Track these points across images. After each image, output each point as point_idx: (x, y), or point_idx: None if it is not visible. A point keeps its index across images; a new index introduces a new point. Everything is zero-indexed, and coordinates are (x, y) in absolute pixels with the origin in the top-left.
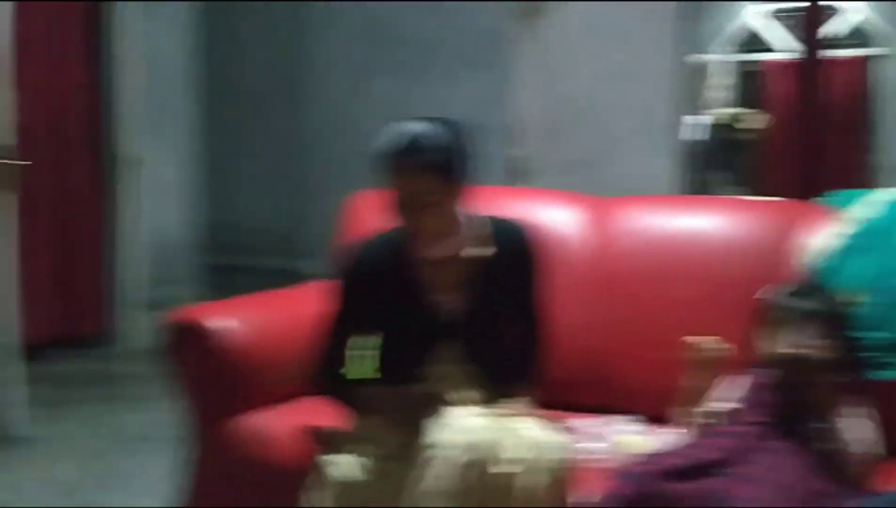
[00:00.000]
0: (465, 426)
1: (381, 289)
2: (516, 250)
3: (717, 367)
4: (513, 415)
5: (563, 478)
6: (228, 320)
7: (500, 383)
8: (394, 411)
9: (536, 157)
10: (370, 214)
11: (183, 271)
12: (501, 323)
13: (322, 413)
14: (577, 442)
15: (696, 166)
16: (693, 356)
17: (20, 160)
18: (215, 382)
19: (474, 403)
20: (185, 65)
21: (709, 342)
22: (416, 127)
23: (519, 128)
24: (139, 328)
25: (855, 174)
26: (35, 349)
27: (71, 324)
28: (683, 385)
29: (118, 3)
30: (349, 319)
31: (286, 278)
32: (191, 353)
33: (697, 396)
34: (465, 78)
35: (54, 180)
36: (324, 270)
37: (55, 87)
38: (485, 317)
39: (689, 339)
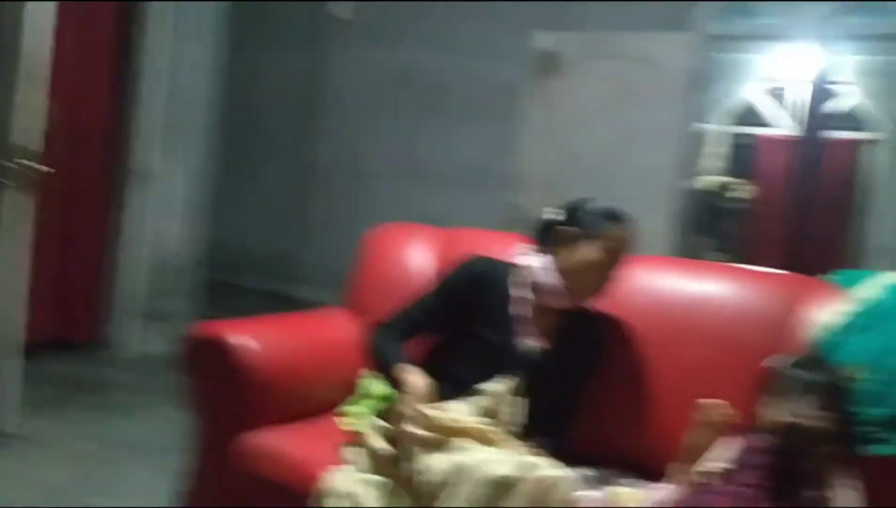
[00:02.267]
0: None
1: (482, 302)
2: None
3: (722, 430)
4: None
5: None
6: (249, 338)
7: (540, 429)
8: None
9: (537, 207)
10: (391, 246)
11: (181, 285)
12: (563, 380)
13: (332, 434)
14: (577, 488)
15: (687, 230)
16: (701, 418)
17: (43, 166)
18: (231, 397)
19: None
20: (206, 87)
21: (718, 406)
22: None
23: (523, 178)
24: (134, 336)
25: (839, 252)
26: (30, 350)
27: (67, 328)
28: (686, 444)
29: (149, 18)
30: (437, 307)
31: (281, 301)
32: (210, 367)
33: (697, 455)
34: (476, 126)
35: (66, 186)
36: (322, 297)
37: (78, 95)
38: (554, 367)
39: (702, 401)
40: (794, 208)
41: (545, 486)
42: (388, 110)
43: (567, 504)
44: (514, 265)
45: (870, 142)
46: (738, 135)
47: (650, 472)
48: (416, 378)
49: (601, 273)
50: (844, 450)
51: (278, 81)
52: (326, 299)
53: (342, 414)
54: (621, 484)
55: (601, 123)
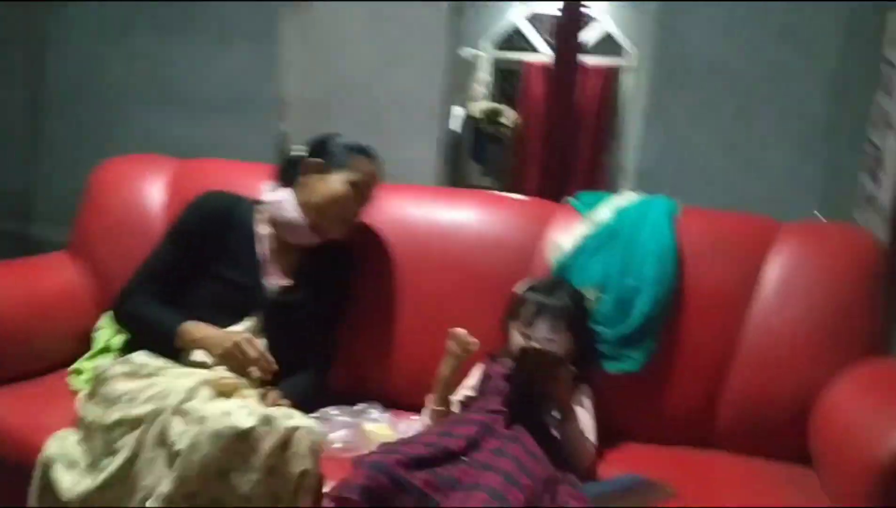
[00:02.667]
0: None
1: (223, 241)
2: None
3: (465, 358)
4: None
5: (317, 467)
6: None
7: (292, 370)
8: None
9: (302, 134)
10: (122, 182)
11: None
12: (312, 318)
13: (61, 394)
14: (327, 431)
15: (454, 157)
16: (451, 347)
17: None
18: None
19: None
20: None
21: (462, 335)
22: None
23: (286, 104)
24: None
25: (598, 175)
26: None
27: None
28: (439, 374)
29: None
30: (175, 256)
31: (21, 243)
32: None
33: (451, 384)
34: (234, 47)
35: None
36: (64, 237)
37: None
38: (301, 305)
39: (451, 331)
40: (552, 133)
41: (291, 437)
42: (131, 28)
43: (315, 451)
44: (257, 201)
45: (622, 68)
46: (504, 61)
47: (401, 405)
48: (215, 330)
49: (347, 207)
50: (582, 370)
51: None
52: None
53: (77, 372)
54: (371, 421)
55: (364, 47)
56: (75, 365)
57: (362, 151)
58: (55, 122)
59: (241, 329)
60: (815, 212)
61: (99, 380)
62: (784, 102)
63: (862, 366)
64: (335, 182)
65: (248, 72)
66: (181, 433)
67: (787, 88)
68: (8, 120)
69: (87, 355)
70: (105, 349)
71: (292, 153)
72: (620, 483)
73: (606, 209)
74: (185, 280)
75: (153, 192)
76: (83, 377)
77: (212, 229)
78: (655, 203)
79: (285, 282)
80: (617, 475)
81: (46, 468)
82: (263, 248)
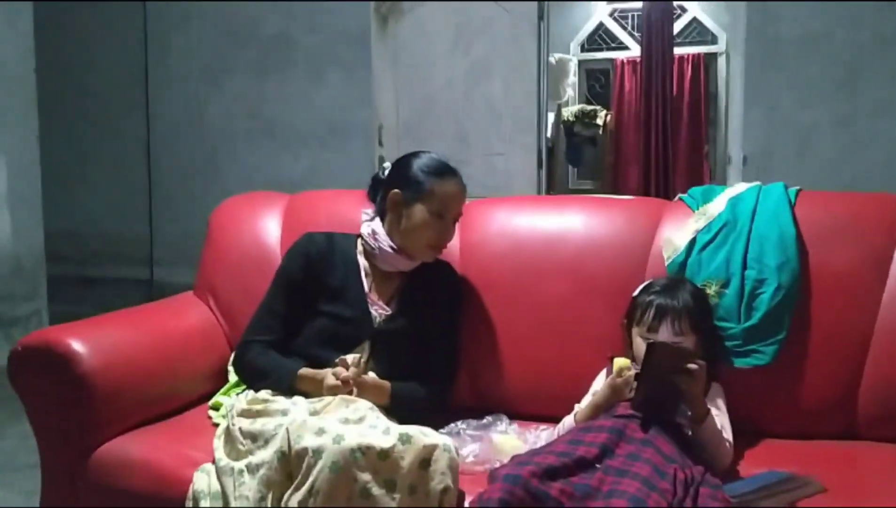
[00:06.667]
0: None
1: (325, 281)
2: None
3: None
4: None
5: (457, 483)
6: (80, 342)
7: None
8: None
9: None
10: (239, 221)
11: (22, 286)
12: (414, 336)
13: (202, 428)
14: (458, 446)
15: (550, 163)
16: (616, 381)
17: None
18: (72, 409)
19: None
20: (17, 67)
21: (627, 365)
22: None
23: (381, 129)
24: None
25: (700, 167)
26: None
27: None
28: (596, 402)
29: None
30: (283, 304)
31: (144, 288)
32: (41, 380)
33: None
34: (327, 78)
35: None
36: (180, 278)
37: None
38: (402, 328)
39: (618, 360)
40: (650, 128)
41: (430, 454)
42: (229, 69)
43: (454, 468)
44: (354, 235)
45: (713, 54)
46: (592, 61)
47: (522, 414)
48: (320, 371)
49: (432, 234)
50: (710, 369)
51: (102, 49)
52: (187, 278)
53: (215, 406)
54: (499, 433)
55: (451, 63)
56: (213, 400)
57: (441, 173)
58: (163, 168)
59: (351, 359)
60: None
61: (227, 419)
62: (892, 69)
63: None
64: (418, 213)
65: (343, 101)
66: (316, 449)
67: (893, 55)
68: (127, 170)
69: (222, 389)
70: (238, 383)
71: (377, 175)
72: (765, 481)
73: (720, 202)
74: (295, 322)
75: (269, 227)
76: (221, 411)
77: (314, 271)
78: (771, 190)
79: (389, 310)
80: (759, 472)
81: (196, 501)
82: (366, 279)
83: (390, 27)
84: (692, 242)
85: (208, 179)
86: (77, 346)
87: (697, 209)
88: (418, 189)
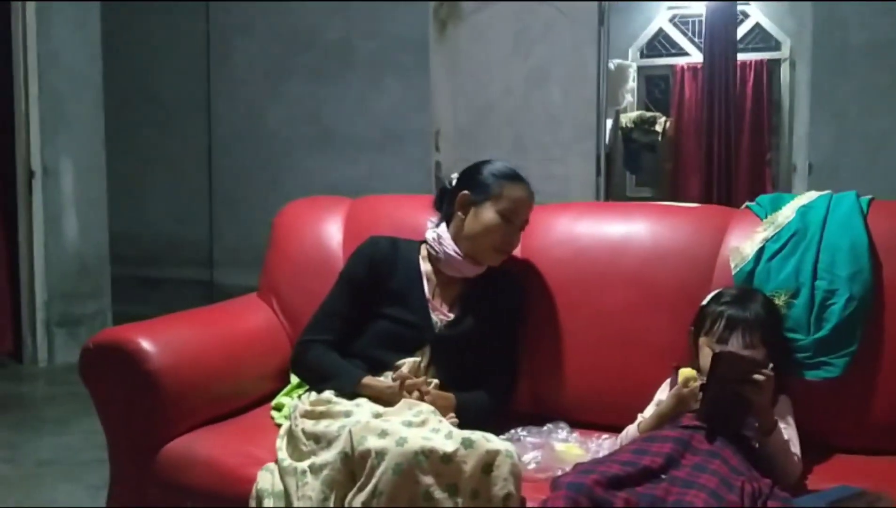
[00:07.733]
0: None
1: (388, 284)
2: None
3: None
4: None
5: (519, 490)
6: (149, 341)
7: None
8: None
9: (456, 164)
10: (302, 225)
11: (90, 286)
12: (475, 343)
13: (266, 428)
14: (520, 452)
15: (609, 170)
16: (682, 390)
17: None
18: (142, 406)
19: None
20: (87, 71)
21: (693, 376)
22: None
23: (439, 134)
24: (48, 347)
25: (763, 175)
26: None
27: None
28: (662, 411)
29: (19, 2)
30: (345, 305)
31: (203, 289)
32: (112, 377)
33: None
34: (386, 84)
35: None
36: (240, 280)
37: None
38: (463, 334)
39: (683, 370)
40: (711, 135)
41: (492, 459)
42: (288, 76)
43: (516, 474)
44: (418, 241)
45: (777, 60)
46: (651, 67)
47: (582, 423)
48: (384, 382)
49: (500, 238)
50: (779, 381)
51: (165, 54)
52: (250, 280)
53: (277, 407)
54: (560, 441)
55: (509, 69)
56: (276, 400)
57: (511, 178)
58: (223, 171)
59: (407, 366)
60: None
61: (289, 420)
62: None
63: None
64: (486, 214)
65: (401, 107)
66: (380, 451)
67: None
68: (188, 174)
69: (285, 389)
70: (301, 384)
71: (445, 184)
72: (836, 496)
73: (789, 210)
74: (356, 323)
75: (331, 232)
76: (283, 412)
77: (378, 274)
78: (842, 199)
79: (450, 315)
80: (829, 487)
81: (259, 500)
82: (428, 284)
83: (448, 33)
84: (760, 250)
85: (267, 184)
86: (146, 345)
87: (766, 218)
88: (488, 191)
